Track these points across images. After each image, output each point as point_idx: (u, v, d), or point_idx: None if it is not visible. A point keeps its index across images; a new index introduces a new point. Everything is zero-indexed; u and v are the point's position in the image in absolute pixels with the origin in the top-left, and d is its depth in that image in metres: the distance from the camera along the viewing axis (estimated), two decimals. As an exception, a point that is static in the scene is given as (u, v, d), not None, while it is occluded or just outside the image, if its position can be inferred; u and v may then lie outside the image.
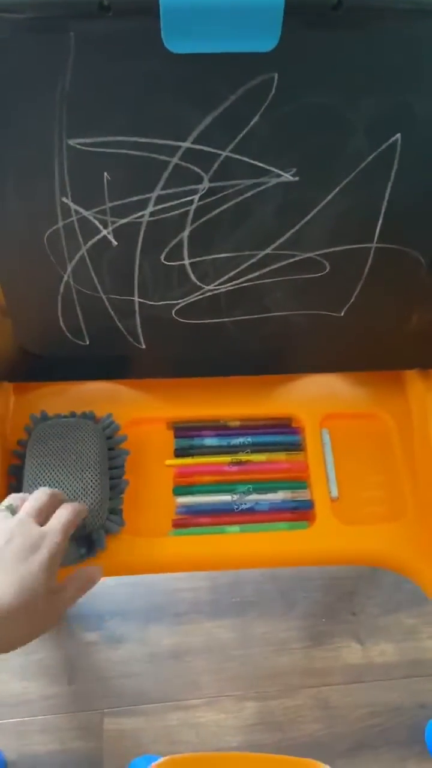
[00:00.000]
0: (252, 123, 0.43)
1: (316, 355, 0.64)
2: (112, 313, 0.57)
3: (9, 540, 0.46)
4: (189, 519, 0.62)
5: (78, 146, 0.44)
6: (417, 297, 0.57)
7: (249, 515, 0.62)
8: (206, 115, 0.43)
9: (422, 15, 0.39)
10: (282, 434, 0.67)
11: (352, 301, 0.57)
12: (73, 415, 0.64)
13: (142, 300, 0.56)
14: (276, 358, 0.64)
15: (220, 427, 0.67)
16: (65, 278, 0.53)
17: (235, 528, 0.61)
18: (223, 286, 0.55)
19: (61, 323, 0.58)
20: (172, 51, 0.39)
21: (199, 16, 0.38)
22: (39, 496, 0.50)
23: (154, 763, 0.64)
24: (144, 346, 0.60)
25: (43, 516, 0.49)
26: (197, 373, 0.66)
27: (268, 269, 0.54)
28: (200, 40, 0.39)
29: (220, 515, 0.62)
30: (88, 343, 0.60)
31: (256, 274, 0.54)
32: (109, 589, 1.00)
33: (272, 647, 0.96)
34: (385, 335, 0.61)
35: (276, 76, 0.41)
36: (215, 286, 0.55)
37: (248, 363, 0.64)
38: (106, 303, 0.56)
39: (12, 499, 0.51)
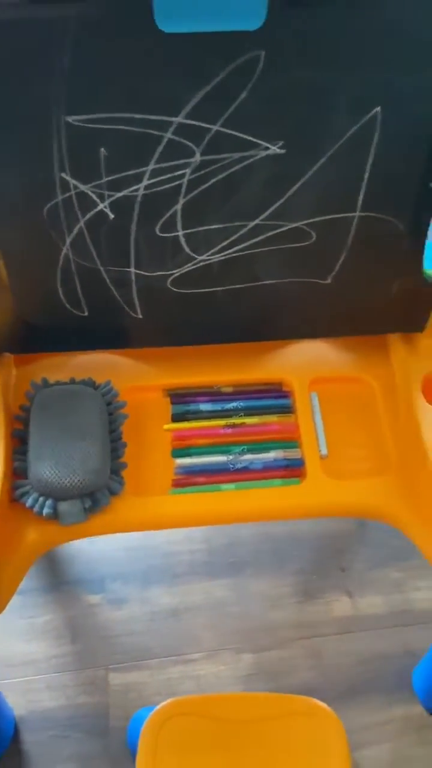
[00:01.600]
0: (241, 98, 0.46)
1: (305, 321, 0.67)
2: (110, 284, 0.60)
3: None
4: (187, 478, 0.65)
5: (76, 123, 0.46)
6: (398, 264, 0.60)
7: (244, 474, 0.66)
8: (197, 92, 0.45)
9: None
10: (273, 398, 0.71)
11: (337, 268, 0.60)
12: (72, 381, 0.67)
13: (138, 271, 0.58)
14: (266, 324, 0.67)
15: (214, 393, 0.71)
16: (64, 251, 0.56)
17: (231, 486, 0.65)
18: (215, 257, 0.58)
19: (61, 295, 0.60)
20: (164, 30, 0.42)
21: (189, -4, 0.40)
22: None
23: (158, 706, 0.69)
24: (141, 316, 0.63)
25: None
26: (192, 341, 0.69)
27: (257, 239, 0.57)
28: (190, 20, 0.41)
29: (217, 474, 0.66)
30: (86, 314, 0.62)
31: (247, 244, 0.57)
32: (109, 553, 1.04)
33: (267, 603, 1.01)
34: (369, 301, 0.64)
35: (263, 53, 0.43)
36: (208, 256, 0.58)
37: (240, 330, 0.67)
38: (104, 274, 0.59)
39: None
